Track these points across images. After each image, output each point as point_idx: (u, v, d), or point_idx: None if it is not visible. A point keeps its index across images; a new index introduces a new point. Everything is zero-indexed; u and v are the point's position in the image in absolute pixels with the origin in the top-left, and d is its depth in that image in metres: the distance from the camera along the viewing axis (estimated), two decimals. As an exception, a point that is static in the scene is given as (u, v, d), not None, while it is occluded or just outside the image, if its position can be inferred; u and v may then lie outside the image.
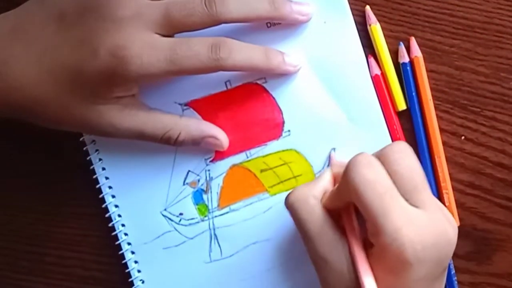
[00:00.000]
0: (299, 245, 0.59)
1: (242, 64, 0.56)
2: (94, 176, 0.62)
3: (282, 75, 0.59)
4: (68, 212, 0.64)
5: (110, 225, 0.62)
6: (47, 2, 0.57)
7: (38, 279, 0.65)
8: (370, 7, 0.59)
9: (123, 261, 0.62)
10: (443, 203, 0.59)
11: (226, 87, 0.60)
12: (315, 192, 0.53)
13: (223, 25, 0.56)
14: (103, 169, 0.62)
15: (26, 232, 0.65)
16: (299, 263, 0.60)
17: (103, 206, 0.62)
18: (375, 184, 0.48)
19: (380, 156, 0.51)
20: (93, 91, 0.55)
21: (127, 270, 0.62)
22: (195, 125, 0.59)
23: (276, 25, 0.59)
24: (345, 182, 0.49)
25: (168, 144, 0.58)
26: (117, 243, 0.62)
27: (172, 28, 0.55)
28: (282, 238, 0.60)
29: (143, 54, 0.54)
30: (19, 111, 0.57)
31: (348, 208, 0.52)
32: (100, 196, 0.62)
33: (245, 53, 0.56)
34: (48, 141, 0.62)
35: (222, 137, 0.59)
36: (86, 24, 0.55)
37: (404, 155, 0.51)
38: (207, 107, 0.60)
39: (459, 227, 0.58)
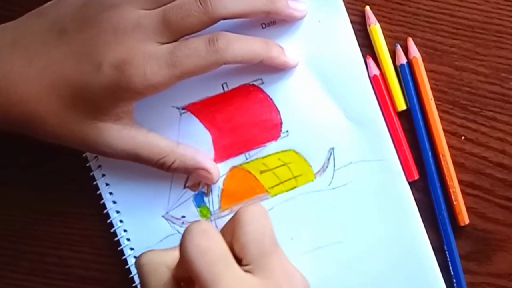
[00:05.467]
0: (300, 244, 0.60)
1: (243, 53, 0.56)
2: (95, 183, 0.62)
3: (279, 73, 0.59)
4: (68, 212, 0.64)
5: (112, 230, 0.62)
6: (47, 15, 0.57)
7: (38, 279, 0.65)
8: (370, 7, 0.59)
9: (123, 262, 0.62)
10: (451, 201, 0.59)
11: (223, 89, 0.60)
12: (168, 260, 0.53)
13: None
14: (103, 175, 0.62)
15: (26, 232, 0.65)
16: (300, 261, 0.60)
17: (105, 212, 0.62)
18: (208, 252, 0.49)
19: (234, 217, 0.52)
20: (96, 106, 0.55)
21: (130, 276, 0.62)
22: (190, 155, 0.59)
23: (271, 25, 0.59)
24: (180, 251, 0.50)
25: (161, 169, 0.58)
26: (119, 248, 0.62)
27: (172, 33, 0.55)
28: (284, 238, 0.60)
29: (145, 65, 0.54)
30: (18, 125, 0.57)
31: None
32: (102, 201, 0.62)
33: (244, 42, 0.56)
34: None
35: (214, 172, 0.59)
36: (87, 38, 0.55)
37: (257, 217, 0.52)
38: (204, 110, 0.60)
39: (460, 227, 0.59)
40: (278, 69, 0.59)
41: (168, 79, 0.54)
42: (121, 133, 0.56)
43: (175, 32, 0.55)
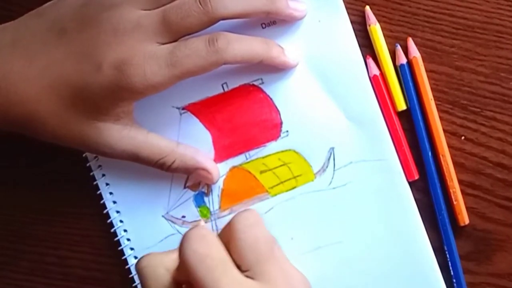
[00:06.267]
0: (300, 244, 0.60)
1: (243, 53, 0.56)
2: (95, 183, 0.62)
3: (279, 73, 0.59)
4: (68, 212, 0.64)
5: (112, 230, 0.62)
6: (47, 15, 0.57)
7: (38, 279, 0.65)
8: (370, 7, 0.59)
9: (123, 262, 0.62)
10: (451, 201, 0.59)
11: (223, 89, 0.60)
12: (167, 263, 0.53)
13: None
14: (103, 175, 0.62)
15: (26, 232, 0.65)
16: (300, 261, 0.60)
17: (105, 212, 0.62)
18: (206, 258, 0.49)
19: (228, 224, 0.52)
20: (96, 106, 0.55)
21: (130, 276, 0.62)
22: (190, 155, 0.59)
23: (271, 25, 0.59)
24: (180, 257, 0.50)
25: (161, 169, 0.58)
26: (119, 248, 0.62)
27: (172, 33, 0.55)
28: (284, 238, 0.60)
29: (145, 65, 0.54)
30: (18, 125, 0.57)
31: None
32: (102, 201, 0.62)
33: (244, 42, 0.56)
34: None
35: (214, 172, 0.60)
36: (87, 38, 0.55)
37: (251, 224, 0.52)
38: (204, 110, 0.60)
39: (460, 227, 0.59)
40: (278, 69, 0.59)
41: (168, 79, 0.54)
42: (121, 133, 0.56)
43: (175, 32, 0.55)
